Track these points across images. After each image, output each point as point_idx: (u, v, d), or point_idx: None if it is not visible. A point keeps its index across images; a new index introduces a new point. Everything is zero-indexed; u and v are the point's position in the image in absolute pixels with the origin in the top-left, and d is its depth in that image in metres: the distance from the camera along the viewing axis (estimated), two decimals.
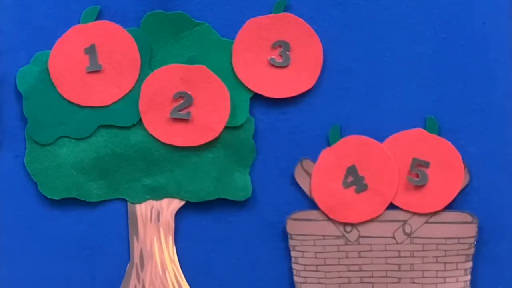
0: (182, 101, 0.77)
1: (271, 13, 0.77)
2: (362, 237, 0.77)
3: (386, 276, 0.78)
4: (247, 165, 0.78)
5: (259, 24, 0.77)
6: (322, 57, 0.77)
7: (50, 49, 0.77)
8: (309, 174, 0.78)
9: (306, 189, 0.78)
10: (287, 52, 0.76)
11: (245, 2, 0.77)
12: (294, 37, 0.76)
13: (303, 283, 0.78)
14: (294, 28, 0.76)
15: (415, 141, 0.77)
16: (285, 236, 0.78)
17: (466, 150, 0.77)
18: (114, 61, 0.77)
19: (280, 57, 0.76)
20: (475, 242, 0.77)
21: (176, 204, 0.79)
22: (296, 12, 0.77)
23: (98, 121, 0.78)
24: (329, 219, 0.78)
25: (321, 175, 0.77)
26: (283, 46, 0.76)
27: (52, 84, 0.77)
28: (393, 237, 0.77)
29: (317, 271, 0.78)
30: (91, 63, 0.77)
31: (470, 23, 0.77)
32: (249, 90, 0.77)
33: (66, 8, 0.78)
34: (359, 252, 0.78)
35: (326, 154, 0.77)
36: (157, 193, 0.78)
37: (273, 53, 0.77)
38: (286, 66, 0.77)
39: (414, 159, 0.76)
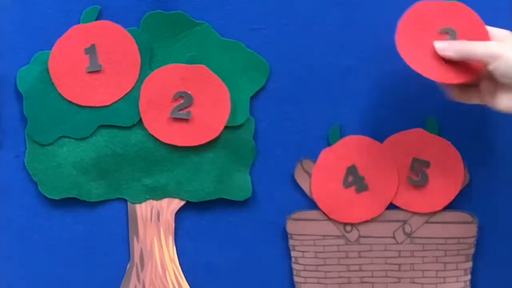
0: (182, 101, 0.77)
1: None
2: (362, 237, 0.77)
3: (386, 276, 0.78)
4: (247, 165, 0.78)
5: (428, 8, 0.72)
6: None
7: (50, 49, 0.77)
8: (309, 174, 0.78)
9: (306, 189, 0.78)
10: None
11: (245, 2, 0.77)
12: (461, 26, 0.71)
13: (303, 283, 0.78)
14: (463, 17, 0.71)
15: (415, 141, 0.77)
16: (285, 236, 0.78)
17: (466, 150, 0.77)
18: (114, 61, 0.77)
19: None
20: (475, 242, 0.77)
21: (176, 204, 0.79)
22: (297, 12, 0.77)
23: (98, 121, 0.78)
24: (329, 219, 0.78)
25: (321, 175, 0.77)
26: (450, 33, 0.71)
27: (52, 84, 0.77)
28: (393, 237, 0.77)
29: (317, 271, 0.78)
30: (91, 63, 0.77)
31: None
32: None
33: (66, 8, 0.78)
34: (359, 252, 0.78)
35: (326, 154, 0.77)
36: (157, 193, 0.78)
37: (440, 38, 0.70)
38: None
39: (414, 159, 0.76)
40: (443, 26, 0.70)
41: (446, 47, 0.67)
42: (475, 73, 0.68)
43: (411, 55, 0.70)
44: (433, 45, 0.69)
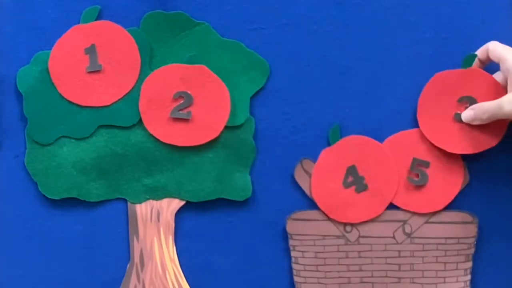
0: (182, 101, 0.77)
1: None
2: (362, 237, 0.77)
3: (386, 276, 0.78)
4: (247, 165, 0.78)
5: (446, 79, 0.75)
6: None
7: (50, 49, 0.77)
8: (309, 174, 0.78)
9: (306, 189, 0.78)
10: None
11: (245, 2, 0.77)
12: (480, 93, 0.74)
13: (303, 283, 0.78)
14: (481, 84, 0.74)
15: (415, 141, 0.77)
16: (285, 236, 0.78)
17: None
18: (114, 61, 0.77)
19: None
20: (475, 242, 0.77)
21: (176, 204, 0.79)
22: (297, 12, 0.77)
23: (98, 121, 0.78)
24: (329, 219, 0.78)
25: (321, 175, 0.77)
26: (469, 101, 0.74)
27: (52, 84, 0.77)
28: (393, 237, 0.77)
29: (317, 271, 0.78)
30: (91, 63, 0.77)
31: (470, 23, 0.77)
32: None
33: (66, 8, 0.78)
34: (359, 252, 0.78)
35: (326, 154, 0.77)
36: (157, 193, 0.78)
37: (459, 108, 0.74)
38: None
39: (414, 159, 0.76)
40: (462, 95, 0.74)
41: (473, 118, 0.72)
42: (501, 133, 0.74)
43: (433, 131, 0.75)
44: (453, 117, 0.74)
